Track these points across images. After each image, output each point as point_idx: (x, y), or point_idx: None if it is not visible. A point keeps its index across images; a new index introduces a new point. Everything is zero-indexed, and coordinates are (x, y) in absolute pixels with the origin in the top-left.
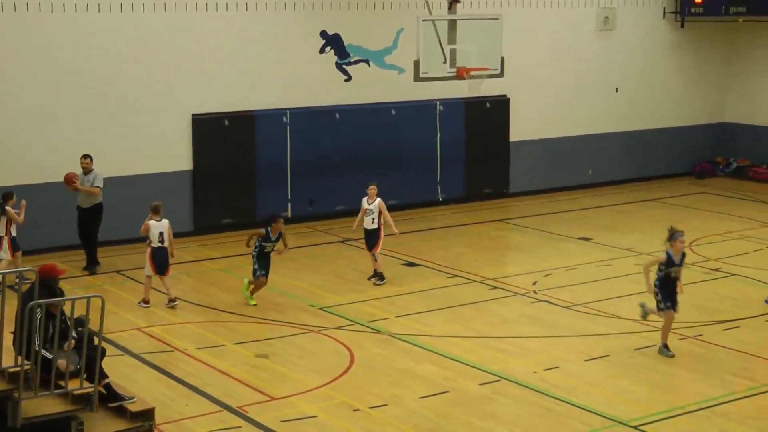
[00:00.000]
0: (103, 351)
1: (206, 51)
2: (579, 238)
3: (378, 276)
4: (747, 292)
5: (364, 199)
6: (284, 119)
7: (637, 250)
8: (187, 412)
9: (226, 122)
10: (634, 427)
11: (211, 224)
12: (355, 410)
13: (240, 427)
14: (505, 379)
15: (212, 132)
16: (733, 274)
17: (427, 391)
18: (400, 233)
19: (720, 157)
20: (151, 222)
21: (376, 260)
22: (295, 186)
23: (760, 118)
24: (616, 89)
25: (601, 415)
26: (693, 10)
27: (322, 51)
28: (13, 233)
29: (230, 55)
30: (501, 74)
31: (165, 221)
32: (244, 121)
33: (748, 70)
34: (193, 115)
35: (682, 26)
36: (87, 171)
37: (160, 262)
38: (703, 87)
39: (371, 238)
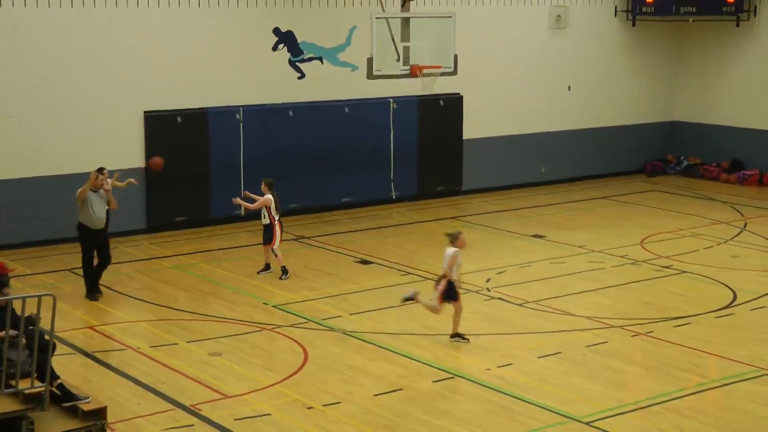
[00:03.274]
0: (54, 346)
1: (158, 48)
2: (532, 236)
3: (283, 271)
4: (697, 289)
5: (269, 196)
6: (237, 117)
7: (589, 247)
8: (139, 411)
9: (179, 119)
10: (587, 424)
11: (164, 222)
12: (308, 408)
13: (193, 425)
14: (459, 376)
15: (165, 129)
16: (684, 272)
17: (380, 389)
18: (354, 231)
19: (671, 155)
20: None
21: (276, 255)
22: (249, 184)
23: (711, 116)
24: (569, 87)
25: (554, 412)
26: (644, 9)
27: (275, 48)
28: None
29: (183, 52)
30: (454, 72)
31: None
32: (196, 119)
33: (698, 69)
34: (145, 112)
35: (634, 25)
36: (99, 187)
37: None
38: (654, 85)
39: (265, 234)
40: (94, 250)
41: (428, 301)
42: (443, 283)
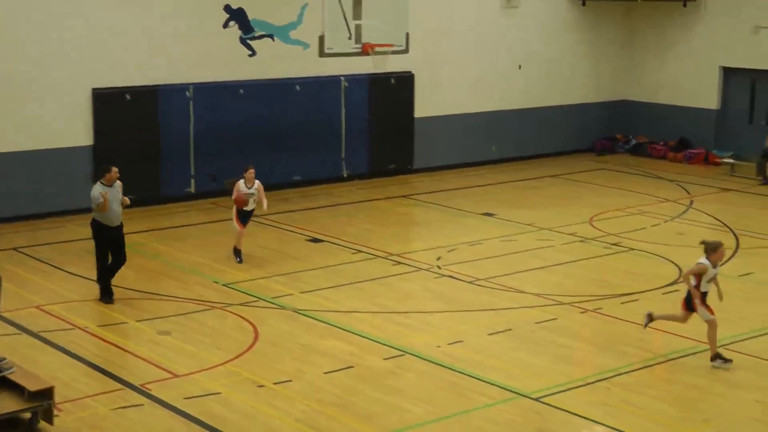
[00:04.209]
0: None
1: (107, 24)
2: (483, 214)
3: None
4: (645, 266)
5: (241, 182)
6: (187, 94)
7: (539, 225)
8: (87, 391)
9: (128, 97)
10: (536, 399)
11: None
12: (259, 386)
13: (142, 404)
14: (410, 353)
15: (114, 107)
16: (632, 249)
17: (331, 367)
18: (305, 209)
19: (619, 134)
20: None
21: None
22: (199, 162)
23: (659, 95)
24: (519, 66)
25: (503, 388)
26: None
27: (225, 25)
28: None
29: (132, 29)
30: (406, 50)
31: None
32: (146, 96)
33: (646, 49)
34: (93, 89)
35: (584, 5)
36: (113, 181)
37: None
38: (603, 65)
39: (249, 218)
40: (110, 249)
41: (668, 314)
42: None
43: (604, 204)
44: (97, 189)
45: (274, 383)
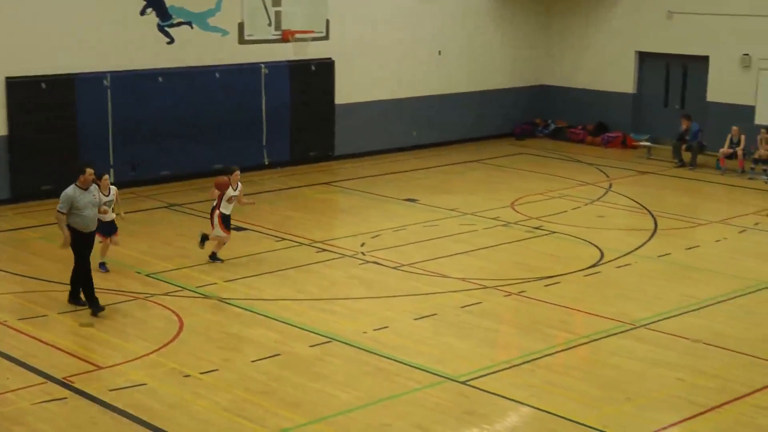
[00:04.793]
0: None
1: (21, 11)
2: (405, 200)
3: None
4: (566, 248)
5: (229, 189)
6: (105, 83)
7: (461, 210)
8: (9, 386)
9: (44, 85)
10: (462, 383)
11: (29, 191)
12: (185, 376)
13: (66, 398)
14: (336, 340)
15: (29, 96)
16: (554, 232)
17: (258, 355)
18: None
19: (539, 118)
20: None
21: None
22: (118, 151)
23: (577, 80)
24: (439, 52)
25: (430, 372)
26: None
27: (142, 12)
28: None
29: (47, 16)
30: (326, 37)
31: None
32: (62, 85)
33: (564, 34)
34: (7, 78)
35: None
36: (88, 184)
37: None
38: (522, 50)
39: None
40: (88, 253)
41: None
42: None
43: (526, 188)
44: (70, 192)
45: (201, 373)
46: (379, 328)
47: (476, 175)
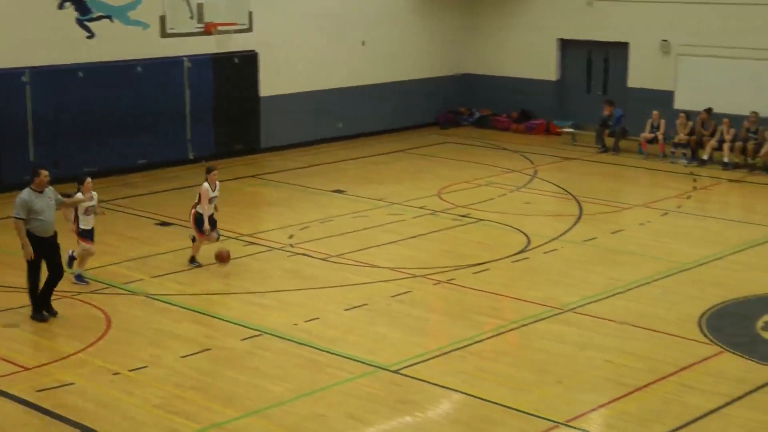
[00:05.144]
0: None
1: None
2: (333, 191)
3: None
4: (494, 235)
5: (206, 185)
6: (23, 79)
7: (389, 200)
8: None
9: None
10: (394, 372)
11: None
12: (115, 374)
13: None
14: (267, 333)
15: None
16: (481, 220)
17: (188, 350)
18: (152, 192)
19: (463, 107)
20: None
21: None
22: (39, 148)
23: (500, 68)
24: (363, 42)
25: (362, 362)
26: None
27: (61, 6)
28: None
29: None
30: (250, 29)
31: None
32: None
33: (488, 23)
34: None
35: None
36: (43, 186)
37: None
38: (446, 39)
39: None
40: (45, 260)
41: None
42: None
43: (452, 176)
44: (25, 197)
45: (130, 370)
46: (310, 320)
47: (402, 164)
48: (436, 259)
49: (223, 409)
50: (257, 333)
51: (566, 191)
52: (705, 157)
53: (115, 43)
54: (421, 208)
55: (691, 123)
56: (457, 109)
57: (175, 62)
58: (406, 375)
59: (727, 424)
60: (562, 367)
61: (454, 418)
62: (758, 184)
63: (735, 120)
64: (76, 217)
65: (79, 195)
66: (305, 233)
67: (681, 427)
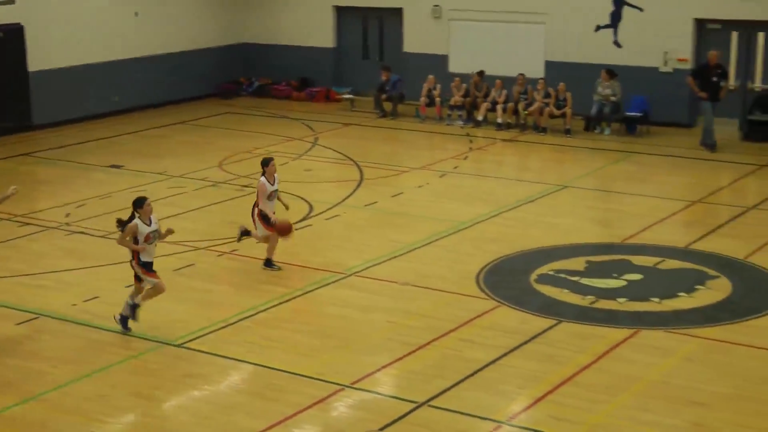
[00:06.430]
0: None
1: None
2: (110, 166)
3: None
4: (278, 204)
5: (263, 180)
6: None
7: (169, 173)
8: None
9: None
10: (179, 346)
11: None
12: None
13: None
14: (45, 315)
15: None
16: None
17: None
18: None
19: (242, 77)
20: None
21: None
22: None
23: (277, 37)
24: (136, 13)
25: (145, 339)
26: None
27: None
28: None
29: None
30: (12, 1)
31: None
32: None
33: None
34: None
35: None
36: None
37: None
38: (221, 9)
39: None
40: None
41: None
42: None
43: (233, 147)
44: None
45: None
46: (90, 299)
47: (182, 137)
48: (219, 231)
49: (1, 396)
50: (34, 316)
51: (347, 157)
52: (480, 118)
53: None
54: (202, 180)
55: (465, 86)
56: (237, 79)
57: None
58: (191, 348)
59: (503, 374)
60: (347, 331)
61: (242, 389)
62: (530, 143)
63: (507, 81)
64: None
65: (138, 222)
66: (82, 211)
67: (461, 381)
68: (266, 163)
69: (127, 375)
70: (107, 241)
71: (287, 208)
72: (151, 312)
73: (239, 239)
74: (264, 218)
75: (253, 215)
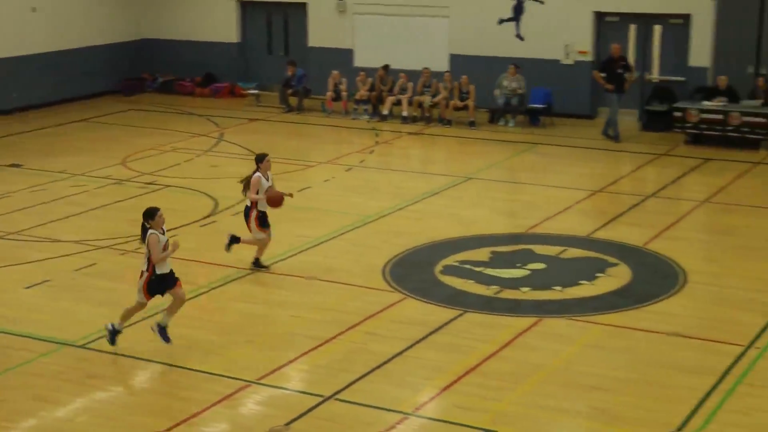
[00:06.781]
0: None
1: None
2: (9, 165)
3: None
4: (182, 201)
5: (257, 175)
6: None
7: (71, 171)
8: None
9: None
10: (81, 347)
11: None
12: None
13: None
14: None
15: None
16: (168, 186)
17: None
18: None
19: (146, 73)
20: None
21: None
22: None
23: (180, 32)
24: (34, 9)
25: (46, 340)
26: None
27: None
28: None
29: None
30: None
31: None
32: None
33: None
34: None
35: None
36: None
37: None
38: (123, 5)
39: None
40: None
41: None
42: None
43: (137, 144)
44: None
45: None
46: None
47: (84, 134)
48: (122, 229)
49: None
50: None
51: (252, 152)
52: (385, 112)
53: None
54: (105, 178)
55: (370, 80)
56: (140, 75)
57: None
58: (94, 349)
59: (409, 366)
60: (253, 327)
61: (147, 388)
62: (435, 135)
63: (411, 75)
64: (150, 262)
65: (154, 233)
66: None
67: (367, 374)
68: (261, 159)
69: (28, 377)
70: (7, 242)
71: (291, 196)
72: (52, 314)
73: (228, 248)
74: (261, 222)
75: (248, 218)
